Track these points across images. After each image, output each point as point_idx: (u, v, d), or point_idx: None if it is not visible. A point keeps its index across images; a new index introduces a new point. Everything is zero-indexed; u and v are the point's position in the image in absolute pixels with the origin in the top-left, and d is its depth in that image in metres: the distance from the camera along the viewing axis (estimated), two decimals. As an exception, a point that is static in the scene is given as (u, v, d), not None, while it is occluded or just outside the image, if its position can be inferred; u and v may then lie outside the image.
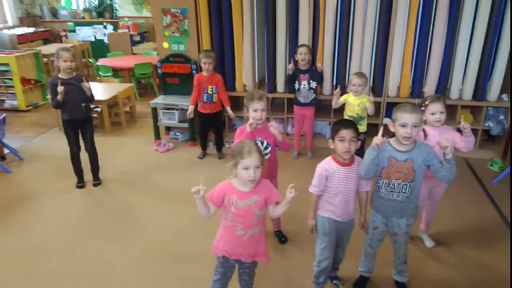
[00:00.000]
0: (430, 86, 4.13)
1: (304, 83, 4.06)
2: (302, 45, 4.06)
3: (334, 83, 4.41)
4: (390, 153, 2.22)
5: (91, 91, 3.56)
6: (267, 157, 2.73)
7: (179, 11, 4.50)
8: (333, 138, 2.19)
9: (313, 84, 4.09)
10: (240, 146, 1.96)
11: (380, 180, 2.28)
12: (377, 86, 4.28)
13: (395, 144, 2.23)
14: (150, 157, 4.47)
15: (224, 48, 4.48)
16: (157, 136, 4.81)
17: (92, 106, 4.74)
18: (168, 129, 5.03)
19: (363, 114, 3.79)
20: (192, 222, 3.17)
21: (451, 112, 4.28)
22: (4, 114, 4.24)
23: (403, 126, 2.12)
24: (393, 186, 2.25)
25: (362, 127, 3.84)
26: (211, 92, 4.13)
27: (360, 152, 3.81)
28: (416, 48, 4.05)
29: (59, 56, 3.40)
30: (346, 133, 2.12)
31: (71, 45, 7.71)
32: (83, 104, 3.56)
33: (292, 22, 4.21)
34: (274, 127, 2.61)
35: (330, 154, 2.27)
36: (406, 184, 2.23)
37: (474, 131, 4.22)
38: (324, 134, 4.68)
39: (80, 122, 3.63)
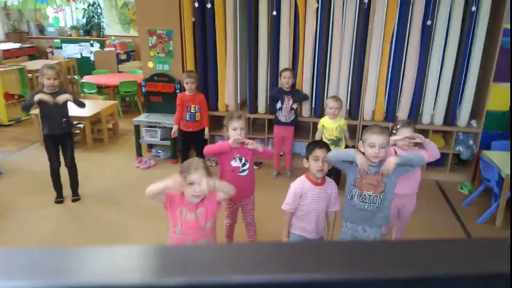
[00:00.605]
0: (403, 111, 4.31)
1: (286, 103, 4.21)
2: (286, 69, 4.23)
3: (313, 106, 4.57)
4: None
5: (76, 101, 3.62)
6: (245, 173, 2.83)
7: (164, 33, 4.64)
8: (307, 158, 2.34)
9: (294, 105, 4.24)
10: (189, 163, 2.10)
11: (354, 189, 2.41)
12: (353, 110, 4.45)
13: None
14: (130, 173, 4.51)
15: (207, 69, 4.61)
16: (139, 153, 4.86)
17: (74, 122, 4.83)
18: (150, 146, 5.09)
19: (341, 135, 3.95)
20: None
21: (423, 136, 4.46)
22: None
23: (372, 146, 2.26)
24: (364, 197, 2.39)
25: (341, 147, 3.99)
26: (193, 111, 4.23)
27: (337, 172, 3.96)
28: (390, 74, 4.25)
29: (43, 73, 3.48)
30: (320, 152, 2.28)
31: (56, 61, 7.76)
32: (64, 119, 3.61)
33: (273, 47, 4.38)
34: (251, 143, 2.72)
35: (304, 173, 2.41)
36: (377, 196, 2.37)
37: (445, 155, 4.42)
38: (303, 155, 4.80)
39: (60, 137, 3.67)
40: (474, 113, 4.33)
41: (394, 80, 4.25)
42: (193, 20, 4.46)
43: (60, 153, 3.76)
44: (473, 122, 4.30)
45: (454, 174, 4.47)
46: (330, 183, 2.42)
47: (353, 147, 4.06)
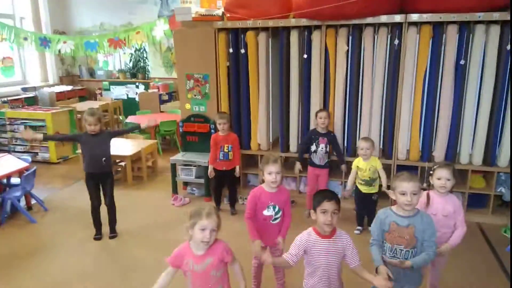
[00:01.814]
0: (439, 150, 4.21)
1: (322, 146, 4.22)
2: (322, 110, 4.27)
3: (345, 145, 4.56)
4: (392, 218, 2.30)
5: (119, 131, 3.86)
6: (277, 221, 2.80)
7: (201, 77, 4.87)
8: (315, 209, 2.18)
9: (328, 148, 4.26)
10: (201, 208, 2.09)
11: (385, 243, 2.34)
12: (387, 149, 4.40)
13: (397, 209, 2.31)
14: (166, 211, 4.65)
15: (240, 110, 4.77)
16: (175, 190, 5.01)
17: (117, 160, 5.10)
18: (186, 184, 5.23)
19: (374, 175, 3.91)
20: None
21: (463, 176, 4.31)
22: (34, 167, 4.58)
23: (403, 194, 2.22)
24: (395, 252, 2.30)
25: (375, 188, 3.94)
26: (227, 151, 4.35)
27: (372, 211, 3.88)
28: (423, 113, 4.20)
29: (85, 119, 3.75)
30: (328, 205, 2.11)
31: (104, 103, 8.29)
32: (104, 158, 3.83)
33: (304, 88, 4.48)
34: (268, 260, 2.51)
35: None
36: (409, 251, 2.27)
37: (487, 196, 4.22)
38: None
39: (100, 176, 3.88)
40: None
41: (429, 119, 4.18)
42: (227, 64, 4.67)
43: (101, 191, 3.97)
44: (516, 162, 4.10)
45: (497, 217, 4.24)
46: (341, 235, 2.21)
47: (388, 187, 3.97)
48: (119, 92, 9.47)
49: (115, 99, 9.20)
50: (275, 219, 2.78)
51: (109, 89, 9.47)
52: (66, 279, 3.33)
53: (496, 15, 3.74)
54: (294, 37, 4.35)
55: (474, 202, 4.34)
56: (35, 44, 6.12)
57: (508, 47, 3.79)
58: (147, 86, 9.20)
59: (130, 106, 8.95)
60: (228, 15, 4.62)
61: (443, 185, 2.63)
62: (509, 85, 3.92)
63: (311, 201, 4.40)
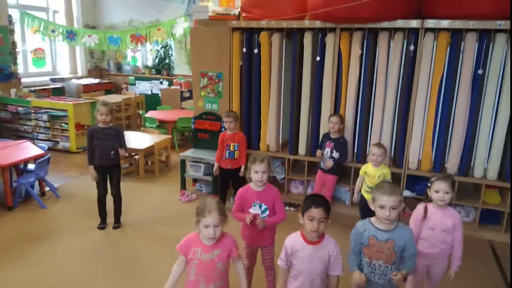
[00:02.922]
0: (452, 162, 4.05)
1: (327, 150, 4.18)
2: (334, 115, 4.22)
3: (355, 150, 4.47)
4: (371, 231, 2.20)
5: (122, 143, 3.98)
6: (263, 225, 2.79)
7: (215, 75, 4.90)
8: (303, 214, 2.13)
9: (336, 154, 4.18)
10: (203, 205, 2.12)
11: (363, 258, 2.24)
12: (397, 157, 4.27)
13: (376, 222, 2.22)
14: (172, 206, 4.70)
15: (251, 110, 4.76)
16: (183, 186, 5.06)
17: (132, 154, 5.21)
18: (196, 180, 5.28)
19: (382, 185, 3.80)
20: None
21: (476, 190, 4.13)
22: (48, 155, 4.73)
23: (382, 208, 2.13)
24: (374, 267, 2.20)
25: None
26: (233, 149, 4.35)
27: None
28: (438, 123, 4.05)
29: (97, 109, 3.84)
30: (316, 213, 2.06)
31: (127, 97, 8.49)
32: (112, 152, 3.91)
33: (316, 91, 4.42)
34: (259, 223, 2.68)
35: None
36: (388, 266, 2.18)
37: (500, 212, 4.03)
38: (343, 200, 4.67)
39: (108, 168, 3.97)
40: (536, 169, 3.93)
41: (443, 130, 4.03)
42: (240, 64, 4.68)
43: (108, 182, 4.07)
44: (534, 179, 3.89)
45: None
46: (329, 242, 2.16)
47: None
48: (143, 88, 9.67)
49: (139, 93, 9.41)
50: (263, 217, 2.76)
51: (134, 84, 9.70)
52: (67, 266, 3.42)
53: (518, 24, 3.56)
54: (307, 39, 4.29)
55: (487, 218, 4.15)
56: (62, 36, 6.32)
57: (530, 58, 3.60)
58: (170, 83, 9.36)
59: (153, 101, 9.13)
60: (244, 14, 4.62)
61: (441, 198, 2.53)
62: (530, 98, 3.73)
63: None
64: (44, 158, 4.62)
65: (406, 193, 4.20)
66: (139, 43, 6.08)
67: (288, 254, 2.21)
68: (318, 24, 4.19)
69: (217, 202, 2.19)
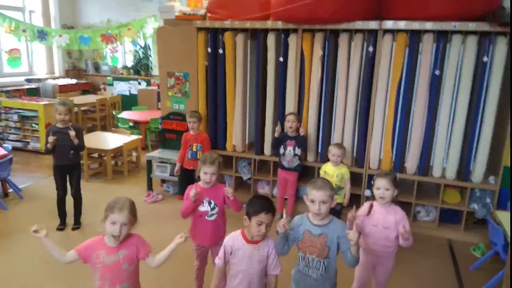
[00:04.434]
0: (411, 162, 4.09)
1: (290, 148, 4.18)
2: (291, 113, 4.23)
3: (319, 151, 4.49)
4: (307, 226, 2.23)
5: (79, 140, 3.86)
6: (213, 217, 2.80)
7: (182, 75, 4.89)
8: (249, 216, 2.11)
9: (298, 151, 4.19)
10: (114, 202, 2.07)
11: (299, 253, 2.28)
12: (359, 157, 4.30)
13: (311, 217, 2.24)
14: (136, 206, 4.65)
15: (217, 111, 4.75)
16: (150, 187, 5.04)
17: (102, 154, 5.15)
18: (164, 181, 5.25)
19: (341, 184, 3.83)
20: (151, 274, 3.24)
21: (437, 190, 4.17)
22: (10, 155, 4.67)
23: (312, 202, 2.15)
24: (307, 261, 2.23)
25: (339, 198, 3.85)
26: (195, 150, 4.35)
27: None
28: (397, 122, 4.08)
29: (55, 108, 3.81)
30: (265, 218, 2.08)
31: (102, 97, 8.41)
32: (72, 151, 3.87)
33: (279, 91, 4.43)
34: (228, 190, 2.69)
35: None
36: (320, 261, 2.20)
37: (460, 212, 4.08)
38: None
39: (68, 167, 3.93)
40: (493, 169, 3.99)
41: (402, 129, 4.07)
42: (206, 64, 4.67)
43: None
44: (491, 179, 3.94)
45: (470, 234, 4.08)
46: (268, 242, 2.18)
47: (350, 197, 3.88)
48: (121, 88, 9.60)
49: (118, 94, 9.33)
50: (211, 215, 2.77)
51: (112, 84, 9.62)
52: (21, 267, 3.39)
53: (472, 25, 3.61)
54: (271, 39, 4.31)
55: (448, 217, 4.20)
56: (33, 36, 6.25)
57: (485, 59, 3.65)
58: (148, 83, 9.30)
59: (130, 102, 9.06)
60: (210, 15, 4.62)
61: (382, 195, 2.56)
62: (486, 97, 3.78)
63: (281, 205, 4.39)
64: (6, 158, 4.56)
65: (368, 192, 4.23)
66: (109, 43, 6.02)
67: (227, 253, 2.21)
68: (280, 25, 4.21)
69: (130, 202, 2.14)
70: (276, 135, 4.23)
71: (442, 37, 3.78)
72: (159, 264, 2.16)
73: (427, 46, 3.81)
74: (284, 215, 2.16)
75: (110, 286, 2.07)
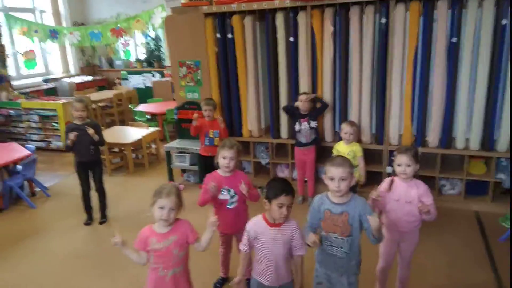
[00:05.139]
0: (433, 135, 3.98)
1: (305, 123, 4.13)
2: (303, 93, 4.17)
3: (336, 130, 4.42)
4: (326, 205, 2.22)
5: (99, 136, 3.90)
6: (233, 206, 2.80)
7: (193, 63, 4.86)
8: (269, 199, 2.11)
9: (313, 124, 4.14)
10: (162, 188, 2.13)
11: (321, 232, 2.27)
12: (378, 134, 4.22)
13: (331, 196, 2.22)
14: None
15: (230, 97, 4.72)
16: (170, 178, 5.09)
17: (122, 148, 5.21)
18: (184, 171, 5.29)
19: (355, 162, 3.77)
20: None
21: (461, 162, 4.06)
22: (34, 156, 4.77)
23: (332, 179, 2.13)
24: (331, 240, 2.22)
25: (355, 176, 3.79)
26: (212, 136, 4.35)
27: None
28: (416, 95, 3.97)
29: (72, 106, 3.86)
30: (285, 200, 2.07)
31: (118, 92, 8.48)
32: (92, 147, 3.93)
33: (292, 72, 4.35)
34: (243, 187, 2.67)
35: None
36: (343, 239, 2.18)
37: (487, 183, 3.97)
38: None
39: (89, 163, 4.00)
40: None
41: (421, 102, 3.95)
42: (216, 50, 4.63)
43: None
44: (517, 146, 3.81)
45: (498, 205, 3.97)
46: (290, 223, 2.17)
47: (370, 175, 3.81)
48: (136, 81, 9.66)
49: (133, 88, 9.41)
50: (231, 203, 2.77)
51: (127, 78, 9.69)
52: (52, 263, 3.49)
53: (489, -13, 3.44)
54: (279, 19, 4.22)
55: (474, 189, 4.10)
56: (45, 36, 6.32)
57: (504, 22, 3.48)
58: (162, 75, 9.33)
59: (146, 95, 9.12)
60: (216, -1, 4.55)
61: (403, 172, 2.50)
62: (508, 64, 3.62)
63: (302, 187, 4.37)
64: (30, 159, 4.67)
65: (389, 169, 4.15)
66: (119, 37, 6.04)
67: (251, 238, 2.23)
68: (288, 3, 4.11)
69: (177, 187, 2.21)
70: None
71: (457, 2, 3.62)
72: (205, 248, 2.25)
73: (442, 13, 3.66)
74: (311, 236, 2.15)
75: (163, 270, 2.16)
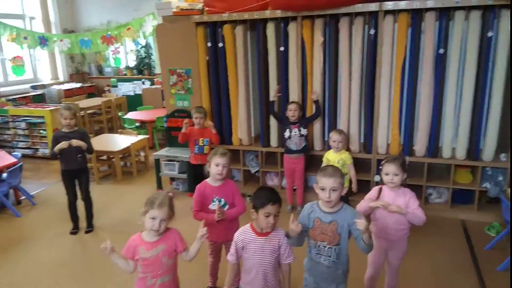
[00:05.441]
0: (420, 144, 4.03)
1: (295, 130, 4.14)
2: (292, 102, 4.20)
3: (325, 139, 4.45)
4: (317, 214, 2.23)
5: (87, 144, 3.86)
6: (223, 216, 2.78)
7: (183, 71, 4.87)
8: (256, 209, 2.13)
9: (304, 131, 4.16)
10: (154, 197, 2.10)
11: (310, 241, 2.27)
12: (366, 142, 4.25)
13: (322, 205, 2.23)
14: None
15: (221, 105, 4.73)
16: (159, 186, 5.05)
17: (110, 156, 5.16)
18: (173, 179, 5.26)
19: (344, 170, 3.78)
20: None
21: (448, 170, 4.11)
22: (20, 163, 4.71)
23: (323, 189, 2.14)
24: (319, 249, 2.22)
25: (345, 183, 3.82)
26: (202, 144, 4.35)
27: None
28: (403, 104, 4.02)
29: (60, 113, 3.82)
30: (272, 209, 2.09)
31: (107, 99, 8.43)
32: (79, 155, 3.89)
33: (282, 81, 4.38)
34: (217, 214, 2.65)
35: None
36: (331, 248, 2.19)
37: (472, 192, 4.02)
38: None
39: (76, 172, 3.95)
40: (504, 146, 3.91)
41: (409, 111, 4.01)
42: (207, 58, 4.64)
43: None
44: (502, 156, 3.87)
45: (483, 214, 4.03)
46: (278, 232, 2.18)
47: (349, 185, 3.82)
48: (126, 89, 9.61)
49: (123, 95, 9.36)
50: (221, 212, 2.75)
51: (116, 86, 9.64)
52: (37, 272, 3.42)
53: (475, 0, 3.52)
54: (270, 29, 4.25)
55: (460, 198, 4.15)
56: (34, 42, 6.27)
57: (490, 34, 3.56)
58: (152, 82, 9.31)
59: (136, 102, 9.08)
60: (207, 9, 4.57)
61: (391, 181, 2.52)
62: (493, 73, 3.70)
63: (291, 195, 4.37)
64: (16, 166, 4.60)
65: (377, 178, 4.18)
66: (109, 44, 6.02)
67: (239, 248, 2.22)
68: (279, 13, 4.15)
69: (170, 197, 2.20)
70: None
71: (445, 15, 3.70)
72: (193, 258, 2.24)
73: (429, 25, 3.73)
74: (291, 221, 2.13)
75: (152, 279, 2.14)
